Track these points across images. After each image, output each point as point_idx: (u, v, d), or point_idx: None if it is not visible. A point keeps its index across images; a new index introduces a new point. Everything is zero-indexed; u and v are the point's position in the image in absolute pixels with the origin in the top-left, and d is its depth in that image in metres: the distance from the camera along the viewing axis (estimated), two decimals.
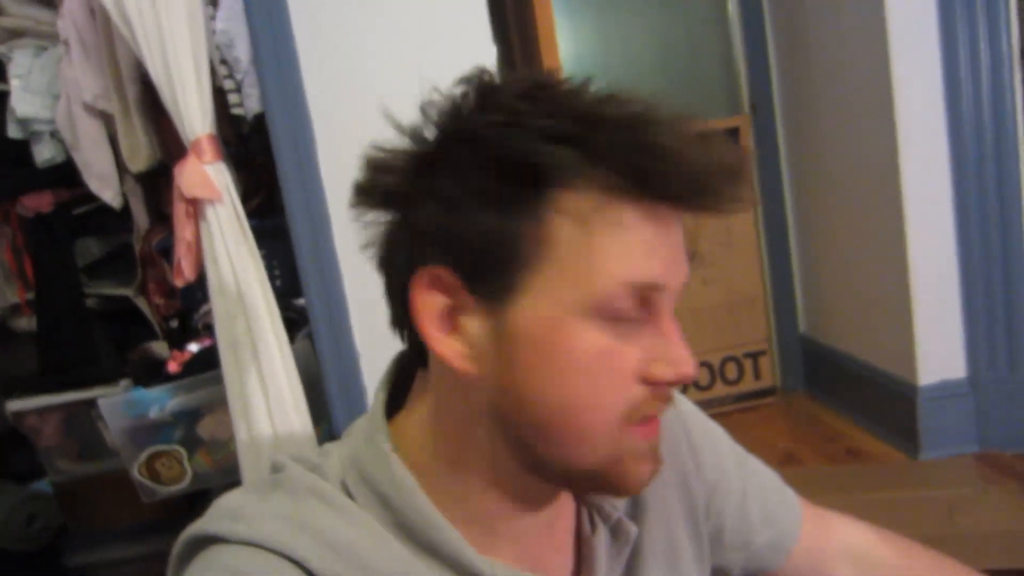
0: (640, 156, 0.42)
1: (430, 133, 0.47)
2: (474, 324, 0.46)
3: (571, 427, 0.46)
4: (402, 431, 0.51)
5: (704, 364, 2.12)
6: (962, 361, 1.71)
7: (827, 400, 2.10)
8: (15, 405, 1.38)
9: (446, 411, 0.49)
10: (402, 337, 0.51)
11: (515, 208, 0.44)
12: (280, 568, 0.44)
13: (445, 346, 0.46)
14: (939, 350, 1.71)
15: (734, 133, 2.06)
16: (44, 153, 1.33)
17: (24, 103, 1.30)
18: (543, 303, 0.44)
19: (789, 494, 0.69)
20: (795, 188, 2.16)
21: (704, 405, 2.11)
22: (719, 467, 0.65)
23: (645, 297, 0.45)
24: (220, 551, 0.45)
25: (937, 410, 1.72)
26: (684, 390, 2.12)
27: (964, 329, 1.70)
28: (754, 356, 2.14)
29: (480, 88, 0.46)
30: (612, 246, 0.44)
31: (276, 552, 0.44)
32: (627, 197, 0.43)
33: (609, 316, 0.44)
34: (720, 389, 2.14)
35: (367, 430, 0.51)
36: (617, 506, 0.57)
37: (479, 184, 0.44)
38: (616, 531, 0.56)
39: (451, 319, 0.46)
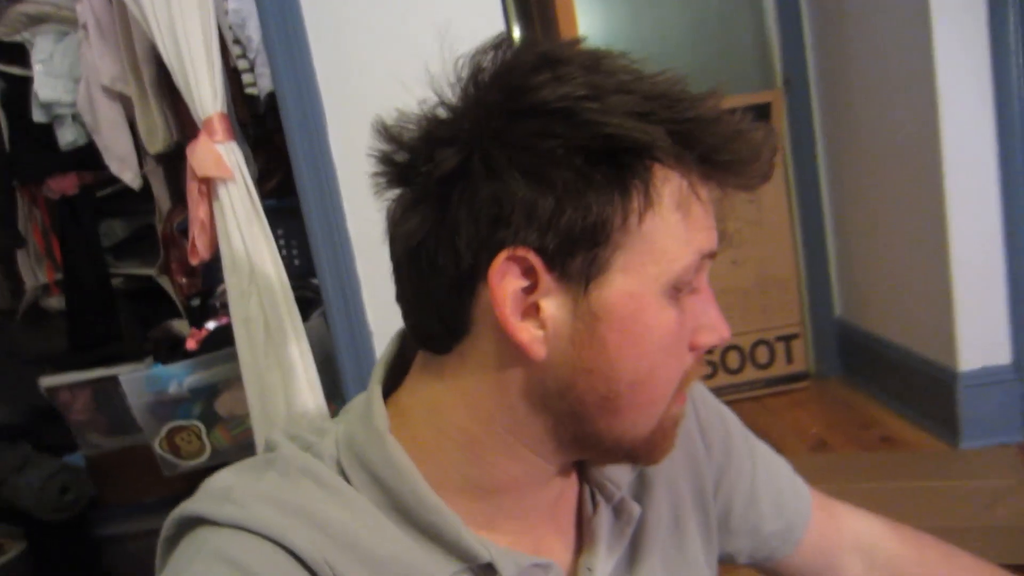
0: (719, 137, 0.44)
1: (495, 106, 0.44)
2: (552, 306, 0.44)
3: (639, 400, 0.46)
4: (402, 409, 0.50)
5: (734, 347, 2.07)
6: (1007, 346, 1.64)
7: (863, 386, 2.03)
8: (48, 381, 1.43)
9: (486, 391, 0.47)
10: (439, 323, 0.47)
11: (609, 187, 0.43)
12: (267, 553, 0.43)
13: (524, 332, 0.44)
14: (982, 334, 1.64)
15: (765, 109, 2.00)
16: (67, 136, 1.37)
17: (47, 87, 1.33)
18: (628, 280, 0.44)
19: (799, 482, 0.67)
20: (830, 165, 2.08)
21: (734, 389, 2.07)
22: (728, 449, 0.64)
23: (701, 264, 0.46)
24: (208, 533, 0.44)
25: (979, 397, 1.65)
26: (714, 373, 2.07)
27: (1009, 312, 1.62)
28: (786, 340, 2.08)
29: (541, 57, 0.44)
30: (695, 221, 0.45)
31: (264, 536, 0.43)
32: (695, 170, 0.45)
33: (678, 288, 0.45)
34: (751, 373, 2.09)
35: (363, 408, 0.50)
36: (620, 485, 0.55)
37: (570, 161, 0.42)
38: (619, 511, 0.55)
39: (525, 302, 0.44)
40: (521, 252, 0.43)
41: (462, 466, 0.48)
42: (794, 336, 2.08)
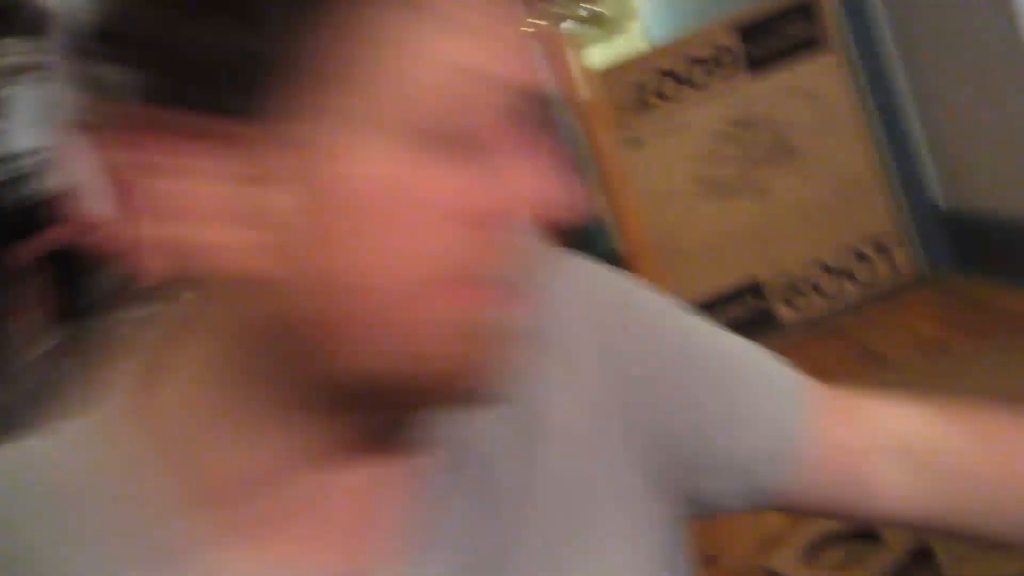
0: None
1: None
2: (220, 194, 0.30)
3: (402, 310, 0.31)
4: (151, 396, 0.36)
5: (823, 266, 1.86)
6: None
7: (984, 276, 1.75)
8: None
9: (191, 352, 0.35)
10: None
11: (288, 10, 0.29)
12: None
13: (151, 230, 0.30)
14: None
15: (807, 10, 1.80)
16: None
17: None
18: (357, 143, 0.30)
19: (789, 380, 0.47)
20: (900, 42, 1.83)
21: (835, 311, 1.85)
22: (660, 358, 0.45)
23: (489, 108, 0.32)
24: None
25: None
26: (807, 297, 1.85)
27: None
28: (882, 245, 1.84)
29: None
30: (453, 32, 0.30)
31: None
32: None
33: (443, 139, 0.31)
34: (850, 290, 1.86)
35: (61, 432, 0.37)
36: (473, 448, 0.40)
37: None
38: (472, 485, 0.39)
39: (164, 191, 0.30)
40: (146, 111, 0.29)
41: (202, 457, 0.35)
42: (891, 239, 1.84)
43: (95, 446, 0.35)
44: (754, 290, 1.87)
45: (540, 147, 0.33)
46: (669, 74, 1.83)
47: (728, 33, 1.83)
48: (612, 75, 1.86)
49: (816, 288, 1.87)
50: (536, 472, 0.40)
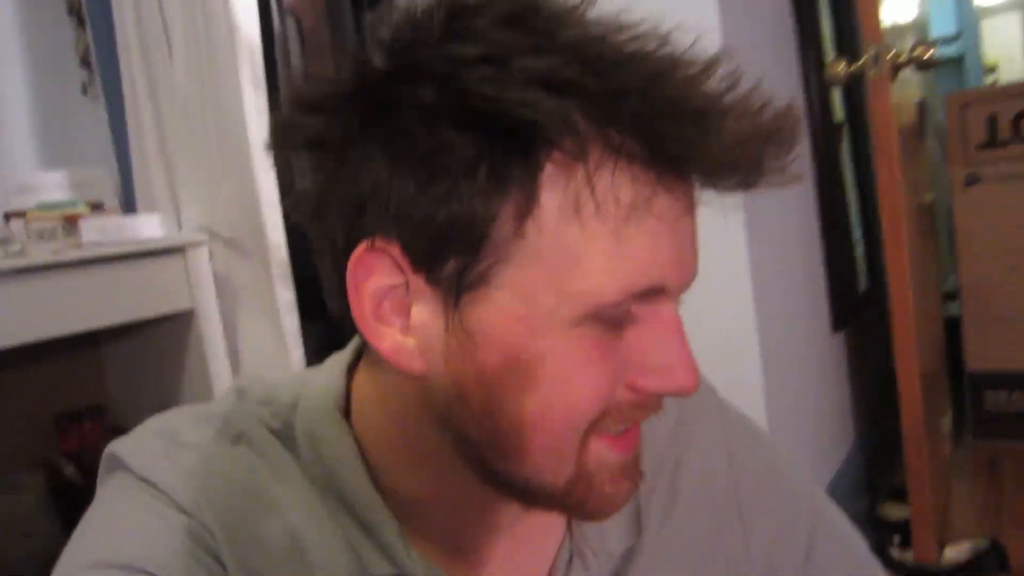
0: (664, 112, 0.32)
1: (380, 63, 0.36)
2: (424, 313, 0.37)
3: (536, 443, 0.37)
4: (360, 385, 0.44)
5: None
6: None
7: None
8: None
9: (389, 391, 0.41)
10: (336, 309, 0.40)
11: (489, 177, 0.33)
12: (159, 520, 0.39)
13: (384, 339, 0.37)
14: None
15: None
16: None
17: None
18: (514, 300, 0.35)
19: (874, 568, 0.54)
20: None
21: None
22: (779, 531, 0.51)
23: (644, 298, 0.36)
24: (120, 481, 0.42)
25: None
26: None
27: None
28: None
29: (449, 6, 0.35)
30: (635, 241, 0.34)
31: (165, 496, 0.40)
32: (639, 167, 0.34)
33: (596, 319, 0.35)
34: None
35: (325, 381, 0.45)
36: (603, 554, 0.46)
37: (443, 140, 0.33)
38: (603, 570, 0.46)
39: (394, 303, 0.37)
40: (382, 244, 0.35)
41: (397, 463, 0.42)
42: None
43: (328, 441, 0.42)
44: None
45: (675, 324, 0.37)
46: None
47: None
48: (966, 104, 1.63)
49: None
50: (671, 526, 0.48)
